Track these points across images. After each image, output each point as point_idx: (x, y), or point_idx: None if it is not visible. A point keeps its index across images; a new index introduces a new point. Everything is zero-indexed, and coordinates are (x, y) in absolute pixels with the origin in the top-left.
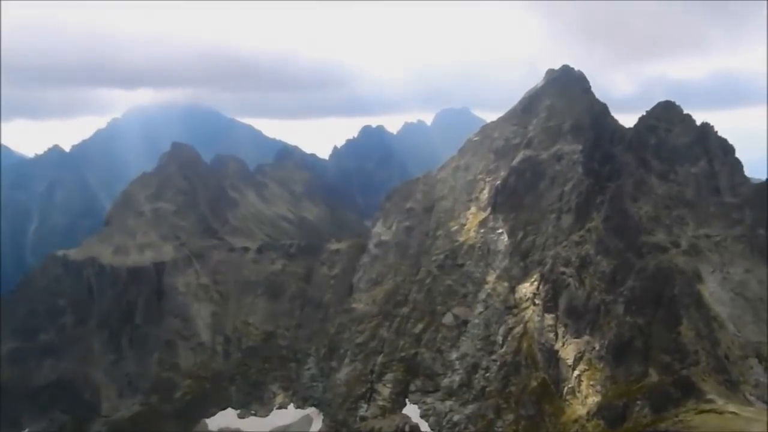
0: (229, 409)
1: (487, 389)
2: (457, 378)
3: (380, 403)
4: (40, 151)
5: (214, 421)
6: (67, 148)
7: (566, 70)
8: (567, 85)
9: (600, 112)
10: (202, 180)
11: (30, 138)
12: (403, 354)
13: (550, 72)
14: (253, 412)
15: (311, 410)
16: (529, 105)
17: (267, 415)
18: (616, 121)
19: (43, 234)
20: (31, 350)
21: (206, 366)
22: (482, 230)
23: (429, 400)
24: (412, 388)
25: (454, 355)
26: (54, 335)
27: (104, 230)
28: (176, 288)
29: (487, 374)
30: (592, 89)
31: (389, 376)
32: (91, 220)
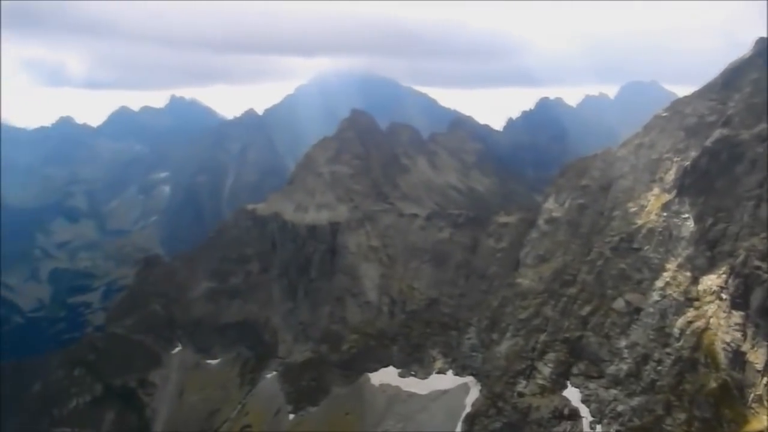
0: (391, 367)
1: (658, 383)
2: (624, 367)
3: (540, 381)
4: (237, 113)
5: (376, 376)
6: (257, 112)
7: None
8: None
9: None
10: (377, 146)
11: (228, 101)
12: (567, 335)
13: (761, 41)
14: (413, 373)
15: (469, 379)
16: (731, 78)
17: (426, 378)
18: None
19: (237, 189)
20: (222, 291)
21: (371, 323)
22: (665, 214)
23: (592, 385)
24: (575, 371)
25: (623, 343)
26: (242, 280)
27: (287, 188)
28: (347, 247)
29: (659, 367)
30: None
31: (551, 355)
32: (276, 178)
